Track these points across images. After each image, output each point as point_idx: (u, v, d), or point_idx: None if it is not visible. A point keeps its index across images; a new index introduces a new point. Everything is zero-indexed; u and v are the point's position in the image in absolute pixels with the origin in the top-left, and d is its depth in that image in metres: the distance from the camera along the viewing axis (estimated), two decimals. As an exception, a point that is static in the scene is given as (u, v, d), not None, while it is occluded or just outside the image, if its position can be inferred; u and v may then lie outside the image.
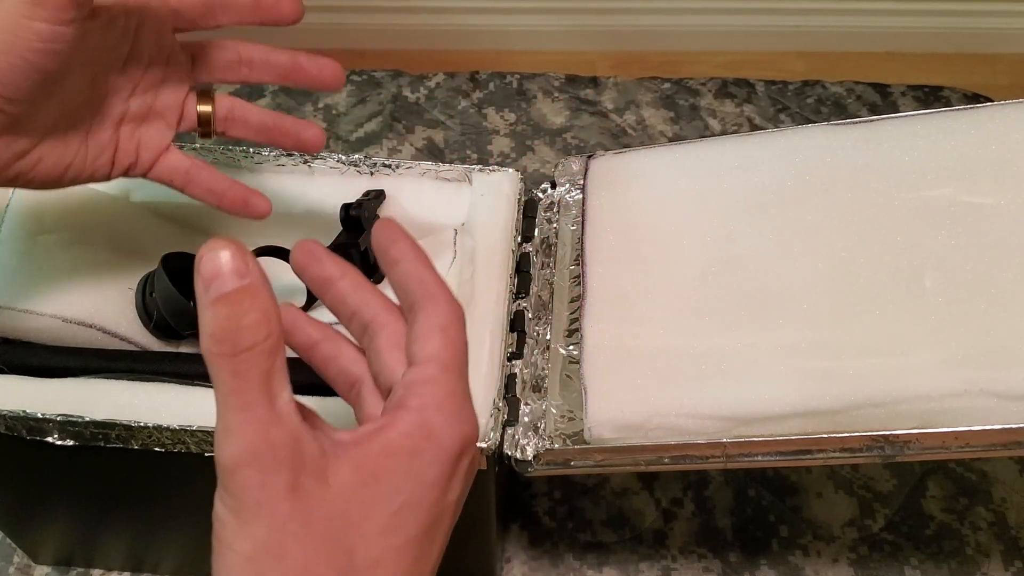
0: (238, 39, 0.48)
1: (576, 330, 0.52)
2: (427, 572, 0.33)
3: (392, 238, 0.38)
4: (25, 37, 0.38)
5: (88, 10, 0.39)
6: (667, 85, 0.97)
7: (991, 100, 0.84)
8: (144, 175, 0.47)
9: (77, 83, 0.42)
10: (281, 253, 0.52)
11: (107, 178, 0.46)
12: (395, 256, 0.38)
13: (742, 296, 0.50)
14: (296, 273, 0.40)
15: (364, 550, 0.31)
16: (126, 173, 0.46)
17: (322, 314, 0.53)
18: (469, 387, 0.36)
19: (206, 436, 0.45)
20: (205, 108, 0.47)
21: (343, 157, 0.57)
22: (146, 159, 0.46)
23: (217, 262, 0.29)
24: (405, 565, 0.32)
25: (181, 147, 0.57)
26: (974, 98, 0.94)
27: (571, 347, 0.52)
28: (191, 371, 0.50)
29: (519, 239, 0.55)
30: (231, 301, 0.29)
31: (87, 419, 0.45)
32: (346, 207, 0.53)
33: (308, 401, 0.36)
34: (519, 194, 0.56)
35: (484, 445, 0.46)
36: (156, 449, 0.46)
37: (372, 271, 0.54)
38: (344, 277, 0.38)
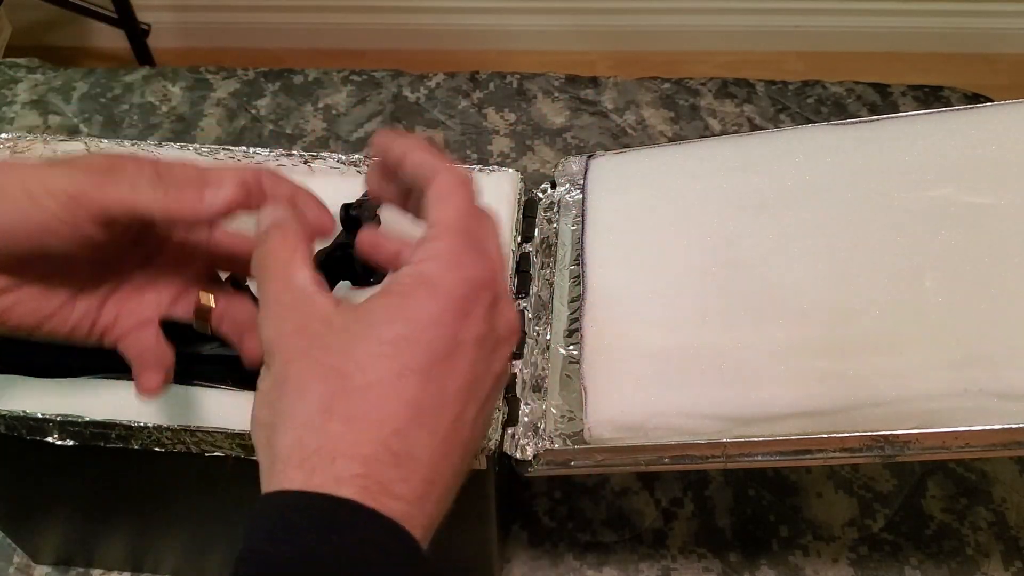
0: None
1: (576, 330, 0.52)
2: (441, 410, 0.33)
3: (388, 142, 0.40)
4: (46, 222, 0.37)
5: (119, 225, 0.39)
6: (667, 85, 0.97)
7: (991, 100, 0.84)
8: (115, 345, 0.43)
9: (81, 256, 0.40)
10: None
11: (84, 341, 0.43)
12: (397, 156, 0.39)
13: (742, 296, 0.50)
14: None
15: (359, 374, 0.32)
16: (101, 340, 0.43)
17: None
18: (478, 243, 0.36)
19: (206, 436, 0.45)
20: (207, 302, 0.44)
21: (343, 157, 0.57)
22: (124, 327, 0.43)
23: (262, 213, 0.39)
24: (407, 394, 0.32)
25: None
26: (974, 98, 0.94)
27: (571, 347, 0.52)
28: (191, 371, 0.50)
29: (519, 239, 0.55)
30: (262, 234, 0.38)
31: (87, 419, 0.45)
32: (346, 207, 0.53)
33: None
34: (519, 194, 0.56)
35: (484, 445, 0.46)
36: (156, 449, 0.46)
37: (372, 271, 0.54)
38: (411, 151, 0.39)
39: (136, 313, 0.44)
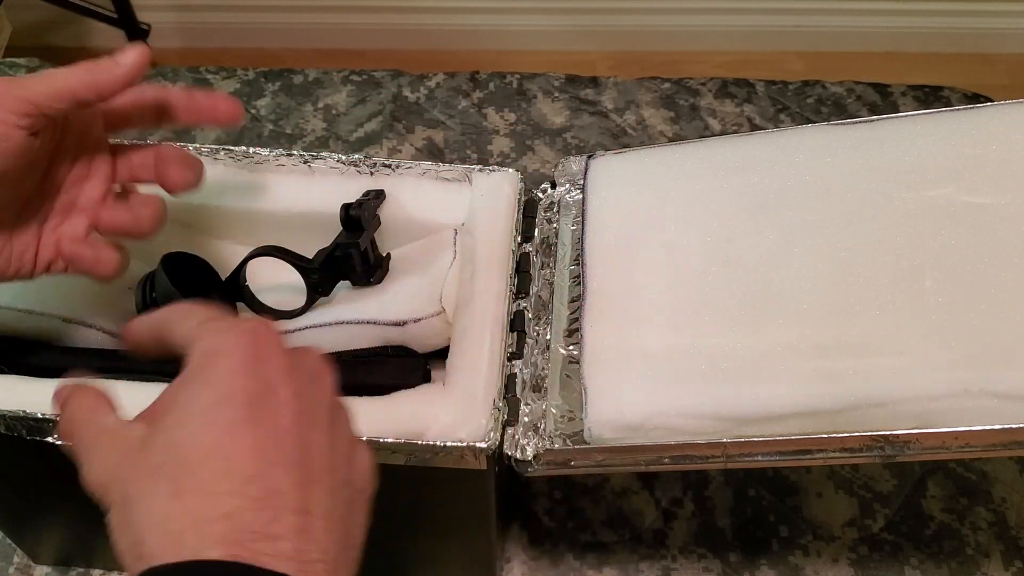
0: (163, 145, 0.48)
1: (576, 330, 0.52)
2: (280, 443, 0.33)
3: (147, 325, 0.40)
4: None
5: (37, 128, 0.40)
6: (667, 85, 0.97)
7: (991, 100, 0.84)
8: (65, 270, 0.46)
9: (3, 189, 0.42)
10: (281, 253, 0.52)
11: (30, 276, 0.45)
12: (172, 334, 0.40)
13: (742, 296, 0.50)
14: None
15: (192, 451, 0.32)
16: (48, 270, 0.46)
17: (319, 315, 0.53)
18: (236, 322, 0.37)
19: (206, 436, 0.45)
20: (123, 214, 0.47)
21: (343, 157, 0.57)
22: (68, 252, 0.46)
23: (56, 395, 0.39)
24: (244, 442, 0.32)
25: (184, 147, 0.57)
26: (974, 98, 0.94)
27: (571, 347, 0.52)
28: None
29: (519, 239, 0.55)
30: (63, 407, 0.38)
31: (87, 419, 0.45)
32: (346, 207, 0.53)
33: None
34: (519, 194, 0.56)
35: (484, 445, 0.46)
36: (156, 449, 0.46)
37: (372, 271, 0.54)
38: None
39: (70, 233, 0.46)
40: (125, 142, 0.48)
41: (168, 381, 0.48)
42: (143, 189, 0.48)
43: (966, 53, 1.85)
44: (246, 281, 0.53)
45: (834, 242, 0.50)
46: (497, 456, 0.48)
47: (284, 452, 0.32)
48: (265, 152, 0.57)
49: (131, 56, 0.43)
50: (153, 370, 0.50)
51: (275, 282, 0.54)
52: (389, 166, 0.57)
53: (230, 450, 0.32)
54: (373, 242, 0.54)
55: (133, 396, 0.47)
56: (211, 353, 0.35)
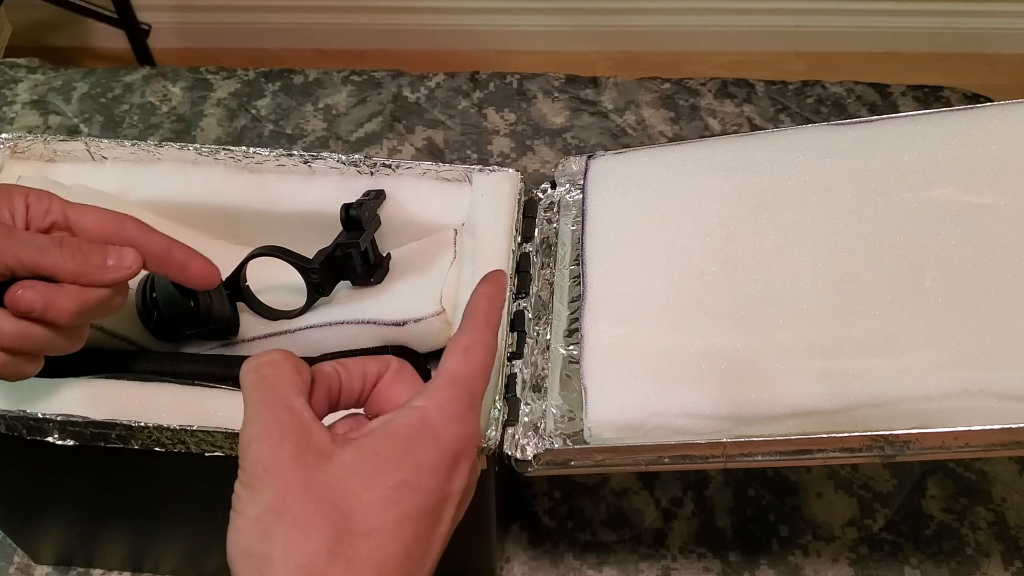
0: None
1: (576, 330, 0.52)
2: (424, 557, 0.35)
3: (483, 286, 0.42)
4: None
5: None
6: (667, 85, 0.97)
7: (991, 100, 0.84)
8: None
9: None
10: (281, 253, 0.52)
11: None
12: (475, 292, 0.42)
13: (742, 296, 0.50)
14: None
15: (363, 516, 0.33)
16: None
17: (319, 315, 0.53)
18: (478, 403, 0.39)
19: (206, 436, 0.45)
20: None
21: (343, 157, 0.57)
22: None
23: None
24: (403, 540, 0.34)
25: (183, 147, 0.57)
26: (974, 98, 0.94)
27: (571, 347, 0.52)
28: (191, 371, 0.50)
29: (519, 239, 0.55)
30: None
31: (87, 419, 0.45)
32: (346, 207, 0.53)
33: None
34: (519, 194, 0.56)
35: (484, 445, 0.46)
36: (156, 449, 0.46)
37: (372, 271, 0.54)
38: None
39: None
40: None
41: (169, 381, 0.48)
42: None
43: (966, 53, 1.85)
44: (246, 281, 0.53)
45: (834, 242, 0.50)
46: (497, 456, 0.48)
47: (422, 565, 0.34)
48: (265, 152, 0.57)
49: (126, 261, 0.43)
50: (153, 370, 0.50)
51: (275, 282, 0.54)
52: (389, 166, 0.57)
53: (391, 539, 0.33)
54: (373, 242, 0.54)
55: (133, 396, 0.47)
56: (431, 430, 0.36)
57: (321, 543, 0.32)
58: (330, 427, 0.37)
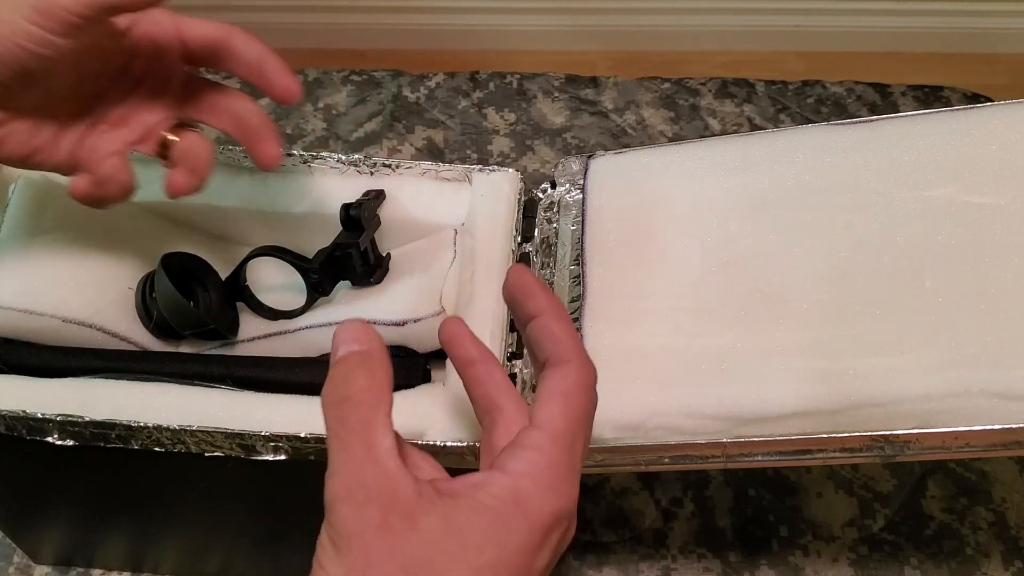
0: (241, 95, 0.48)
1: (576, 330, 0.52)
2: None
3: (528, 291, 0.38)
4: (17, 33, 0.39)
5: (86, 29, 0.40)
6: (667, 85, 0.97)
7: (991, 100, 0.84)
8: (83, 170, 0.46)
9: (63, 81, 0.43)
10: (281, 253, 0.52)
11: (66, 172, 0.46)
12: (531, 311, 0.38)
13: (742, 296, 0.50)
14: (442, 347, 0.41)
15: None
16: (76, 169, 0.46)
17: (319, 315, 0.53)
18: (578, 459, 0.36)
19: (206, 436, 0.45)
20: (172, 137, 0.47)
21: (343, 157, 0.57)
22: (93, 159, 0.46)
23: (346, 330, 0.35)
24: None
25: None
26: (974, 98, 0.94)
27: (571, 347, 0.52)
28: (191, 371, 0.50)
29: (519, 239, 0.55)
30: (345, 362, 0.35)
31: (87, 419, 0.45)
32: (346, 207, 0.53)
33: None
34: (519, 194, 0.56)
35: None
36: (156, 449, 0.46)
37: (372, 271, 0.54)
38: (481, 361, 0.39)
39: (107, 146, 0.45)
40: (208, 79, 0.48)
41: (169, 381, 0.49)
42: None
43: (966, 53, 1.85)
44: (246, 281, 0.53)
45: (834, 242, 0.50)
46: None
47: None
48: (265, 152, 0.57)
49: None
50: (153, 370, 0.50)
51: (275, 282, 0.54)
52: (389, 166, 0.57)
53: None
54: (373, 242, 0.54)
55: (133, 396, 0.47)
56: (522, 506, 0.33)
57: None
58: (414, 469, 0.35)
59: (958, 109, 0.54)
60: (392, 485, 0.33)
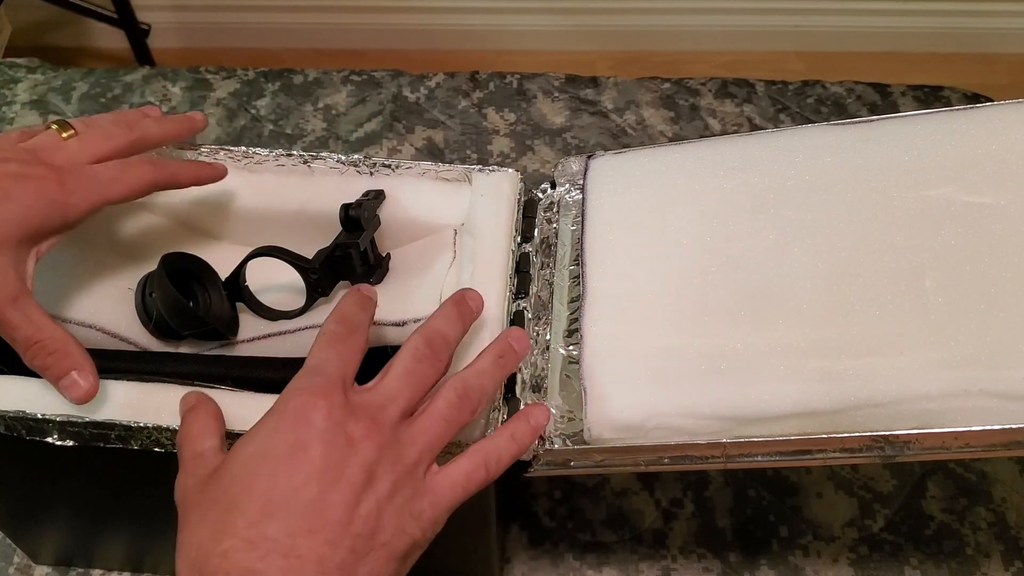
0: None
1: (576, 330, 0.52)
2: (283, 504, 0.37)
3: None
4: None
5: None
6: (667, 85, 0.97)
7: (991, 100, 0.84)
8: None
9: None
10: (281, 253, 0.52)
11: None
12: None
13: (742, 296, 0.50)
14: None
15: (225, 489, 0.39)
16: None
17: (319, 315, 0.53)
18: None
19: (206, 436, 0.45)
20: None
21: (343, 157, 0.57)
22: None
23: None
24: (259, 487, 0.38)
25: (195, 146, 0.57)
26: (974, 98, 0.94)
27: (571, 347, 0.52)
28: (191, 371, 0.50)
29: (519, 239, 0.55)
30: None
31: (87, 419, 0.45)
32: (346, 207, 0.53)
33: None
34: (519, 194, 0.56)
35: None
36: (156, 449, 0.46)
37: (372, 271, 0.54)
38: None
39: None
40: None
41: (169, 381, 0.48)
42: None
43: (966, 53, 1.85)
44: (246, 281, 0.53)
45: (834, 242, 0.50)
46: (497, 456, 0.48)
47: (290, 506, 0.37)
48: (265, 152, 0.57)
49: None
50: (153, 370, 0.50)
51: (275, 282, 0.54)
52: (389, 166, 0.57)
53: (246, 500, 0.37)
54: (373, 242, 0.54)
55: (133, 396, 0.47)
56: (271, 411, 0.40)
57: (192, 527, 0.39)
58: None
59: (958, 109, 0.54)
60: (205, 461, 0.41)
